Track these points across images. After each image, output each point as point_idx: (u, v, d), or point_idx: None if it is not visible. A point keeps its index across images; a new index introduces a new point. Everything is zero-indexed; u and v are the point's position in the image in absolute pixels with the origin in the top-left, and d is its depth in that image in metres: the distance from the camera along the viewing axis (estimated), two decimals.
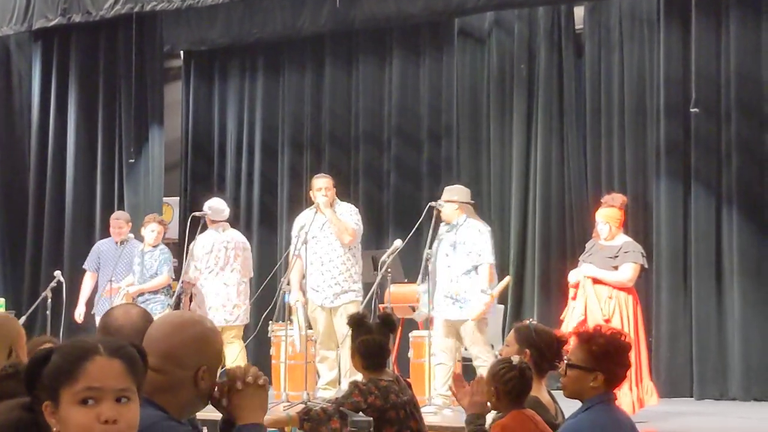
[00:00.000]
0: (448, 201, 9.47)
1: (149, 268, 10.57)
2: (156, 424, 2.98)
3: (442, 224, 9.58)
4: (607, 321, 8.48)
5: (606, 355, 4.38)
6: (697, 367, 10.67)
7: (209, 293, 10.35)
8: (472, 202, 9.70)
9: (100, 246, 11.52)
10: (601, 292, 8.82)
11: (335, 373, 9.81)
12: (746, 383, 10.47)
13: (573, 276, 9.05)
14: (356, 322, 5.52)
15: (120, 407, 2.49)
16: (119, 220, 11.37)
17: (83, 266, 11.49)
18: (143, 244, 10.76)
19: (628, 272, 8.85)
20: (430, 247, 9.39)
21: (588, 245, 9.28)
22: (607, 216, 9.08)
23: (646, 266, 9.09)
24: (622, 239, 9.03)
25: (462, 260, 9.29)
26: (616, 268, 8.87)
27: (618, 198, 9.21)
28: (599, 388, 4.38)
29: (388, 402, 5.13)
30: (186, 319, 3.26)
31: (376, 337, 5.42)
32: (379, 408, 5.10)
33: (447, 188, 9.78)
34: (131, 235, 11.25)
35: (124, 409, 2.50)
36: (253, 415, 3.14)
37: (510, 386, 4.75)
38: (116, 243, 11.21)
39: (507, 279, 9.90)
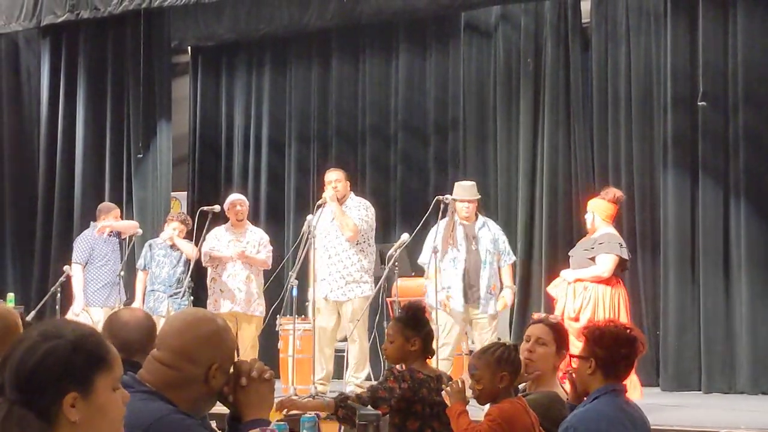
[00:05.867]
0: (471, 200, 9.60)
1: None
2: (165, 417, 3.02)
3: (459, 223, 9.65)
4: (577, 316, 8.52)
5: (596, 342, 4.37)
6: (705, 360, 10.65)
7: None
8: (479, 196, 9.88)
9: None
10: (576, 286, 8.86)
11: (329, 369, 9.76)
12: (755, 376, 10.46)
13: (552, 286, 9.18)
14: (418, 313, 5.51)
15: None
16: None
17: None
18: (167, 240, 10.69)
19: (602, 264, 8.86)
20: (436, 241, 9.46)
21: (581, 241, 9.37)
22: (594, 206, 9.12)
23: (625, 257, 9.07)
24: (603, 231, 9.03)
25: (484, 256, 9.48)
26: (593, 259, 8.89)
27: (611, 192, 9.23)
28: (597, 377, 4.37)
29: (417, 395, 5.14)
30: (200, 317, 3.27)
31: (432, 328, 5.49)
32: (408, 398, 5.13)
33: (461, 185, 9.80)
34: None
35: None
36: (258, 410, 3.16)
37: (518, 367, 4.70)
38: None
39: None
